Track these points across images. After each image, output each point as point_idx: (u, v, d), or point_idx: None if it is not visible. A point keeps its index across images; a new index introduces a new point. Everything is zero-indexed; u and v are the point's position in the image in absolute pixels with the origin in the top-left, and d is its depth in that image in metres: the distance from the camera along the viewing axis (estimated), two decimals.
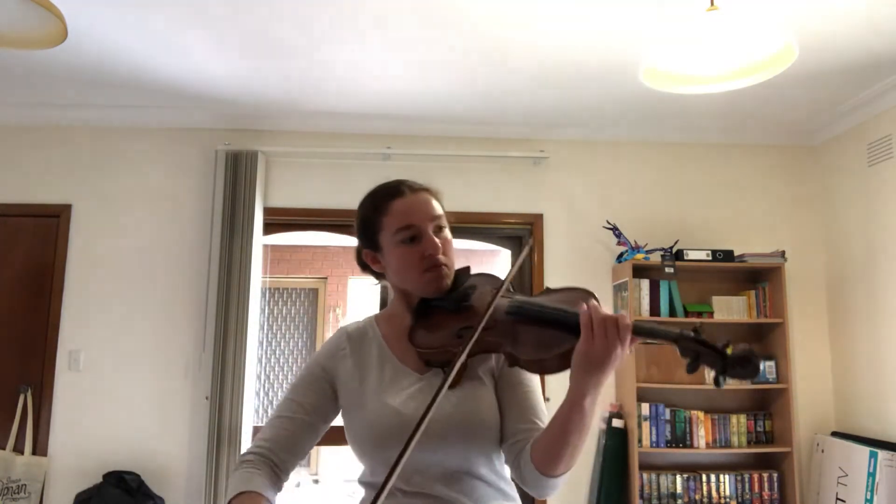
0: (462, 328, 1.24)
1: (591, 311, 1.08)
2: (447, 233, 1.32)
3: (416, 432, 1.03)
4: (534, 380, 1.31)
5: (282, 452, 1.27)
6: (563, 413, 1.13)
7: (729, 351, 1.03)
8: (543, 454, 1.16)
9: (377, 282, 1.42)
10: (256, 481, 1.20)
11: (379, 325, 1.38)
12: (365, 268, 1.39)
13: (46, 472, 3.59)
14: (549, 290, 1.29)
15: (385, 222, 1.30)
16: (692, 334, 1.04)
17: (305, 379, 1.33)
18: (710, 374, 1.02)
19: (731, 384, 3.68)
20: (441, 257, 1.28)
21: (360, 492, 1.34)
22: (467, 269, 1.35)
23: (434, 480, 1.22)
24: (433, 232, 1.29)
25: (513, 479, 1.30)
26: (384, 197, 1.32)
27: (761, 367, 1.02)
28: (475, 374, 1.27)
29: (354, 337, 1.36)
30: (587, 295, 1.20)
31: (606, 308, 1.11)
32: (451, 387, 1.20)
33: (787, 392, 3.69)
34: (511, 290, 1.32)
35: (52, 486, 3.60)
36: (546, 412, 1.27)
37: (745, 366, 1.01)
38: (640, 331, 1.07)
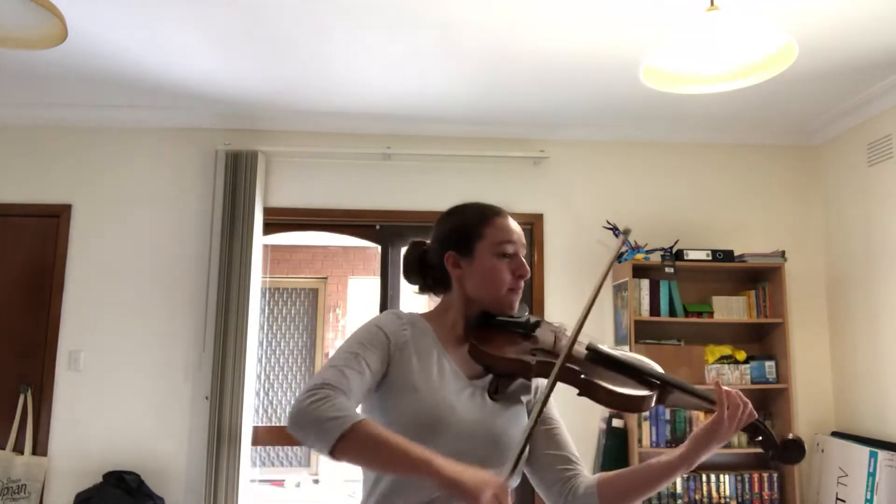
0: (535, 349, 1.31)
1: (730, 394, 1.26)
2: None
3: (523, 451, 1.16)
4: (561, 419, 1.40)
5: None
6: (666, 467, 1.24)
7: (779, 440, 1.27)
8: (616, 496, 1.27)
9: (417, 291, 1.47)
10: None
11: (430, 323, 1.39)
12: (422, 270, 1.43)
13: (46, 472, 3.59)
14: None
15: (488, 233, 1.37)
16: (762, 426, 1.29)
17: (372, 342, 1.28)
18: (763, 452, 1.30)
19: (731, 383, 3.68)
20: (522, 283, 1.38)
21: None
22: (524, 304, 1.43)
23: None
24: None
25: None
26: (490, 210, 1.42)
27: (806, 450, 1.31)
28: (516, 396, 1.35)
29: (411, 322, 1.36)
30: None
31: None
32: (498, 399, 1.31)
33: (787, 392, 3.69)
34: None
35: (52, 486, 3.60)
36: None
37: (795, 451, 1.27)
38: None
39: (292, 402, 1.18)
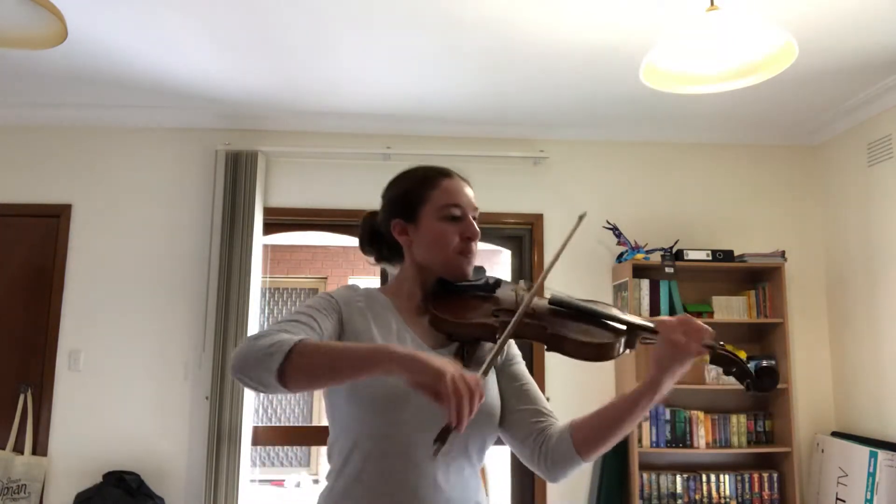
0: (497, 309, 1.28)
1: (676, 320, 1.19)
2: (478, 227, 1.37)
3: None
4: (529, 375, 1.39)
5: None
6: (631, 401, 1.19)
7: (742, 356, 1.18)
8: (589, 436, 1.23)
9: (374, 263, 1.42)
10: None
11: (388, 297, 1.35)
12: (375, 241, 1.40)
13: (46, 472, 3.59)
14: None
15: (432, 195, 1.33)
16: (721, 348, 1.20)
17: (324, 307, 1.25)
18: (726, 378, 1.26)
19: (731, 383, 3.68)
20: (475, 244, 1.33)
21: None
22: (482, 268, 1.38)
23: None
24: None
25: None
26: (435, 173, 1.37)
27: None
28: (482, 360, 1.27)
29: (369, 295, 1.33)
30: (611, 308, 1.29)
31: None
32: (467, 366, 1.24)
33: (787, 392, 3.69)
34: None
35: (52, 486, 3.60)
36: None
37: (770, 377, 1.16)
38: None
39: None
